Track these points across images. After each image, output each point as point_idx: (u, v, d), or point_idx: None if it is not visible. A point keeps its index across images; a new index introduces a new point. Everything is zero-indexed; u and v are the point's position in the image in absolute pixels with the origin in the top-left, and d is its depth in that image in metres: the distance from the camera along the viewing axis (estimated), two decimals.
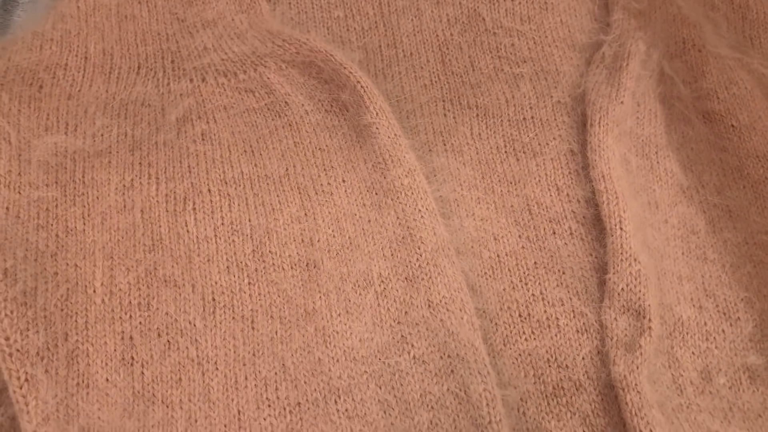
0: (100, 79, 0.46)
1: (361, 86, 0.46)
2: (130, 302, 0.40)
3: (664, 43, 0.51)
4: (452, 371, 0.39)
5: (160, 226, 0.42)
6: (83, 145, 0.44)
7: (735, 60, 0.50)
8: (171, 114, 0.45)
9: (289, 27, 0.50)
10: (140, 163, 0.44)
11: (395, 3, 0.52)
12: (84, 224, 0.42)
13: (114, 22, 0.48)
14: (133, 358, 0.38)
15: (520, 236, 0.44)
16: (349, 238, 0.43)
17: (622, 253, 0.41)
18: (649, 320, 0.39)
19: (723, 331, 0.41)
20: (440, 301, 0.40)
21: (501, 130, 0.48)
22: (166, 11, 0.49)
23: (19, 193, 0.41)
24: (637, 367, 0.38)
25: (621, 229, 0.42)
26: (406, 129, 0.48)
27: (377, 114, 0.45)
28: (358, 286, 0.41)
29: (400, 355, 0.39)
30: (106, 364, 0.38)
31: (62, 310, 0.39)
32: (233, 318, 0.40)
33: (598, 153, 0.45)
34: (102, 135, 0.44)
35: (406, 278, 0.41)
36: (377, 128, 0.45)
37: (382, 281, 0.42)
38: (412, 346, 0.40)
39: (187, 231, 0.42)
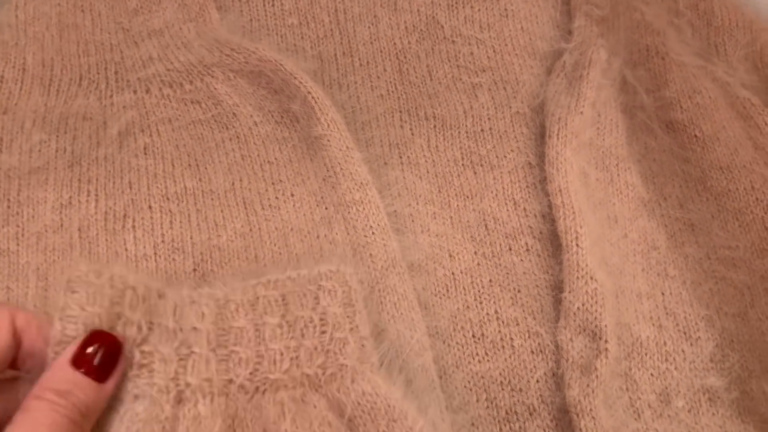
0: (39, 92, 0.44)
1: (312, 97, 0.45)
2: None
3: (627, 50, 0.50)
4: (402, 395, 0.37)
5: (98, 245, 0.40)
6: (18, 162, 0.42)
7: (699, 68, 0.49)
8: (113, 127, 0.44)
9: (239, 35, 0.48)
10: (79, 180, 0.42)
11: (351, 10, 0.51)
12: (17, 245, 0.40)
13: (55, 31, 0.46)
14: None
15: (475, 253, 0.43)
16: (296, 254, 0.41)
17: (578, 271, 0.40)
18: (606, 341, 0.38)
19: (683, 351, 0.40)
20: (389, 321, 0.39)
21: (458, 143, 0.47)
22: (111, 20, 0.47)
23: None
24: (593, 391, 0.37)
25: (577, 245, 0.41)
26: (361, 141, 0.46)
27: (328, 126, 0.44)
28: None
29: None
30: None
31: None
32: None
33: (556, 166, 0.44)
34: (39, 151, 0.43)
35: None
36: (328, 140, 0.44)
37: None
38: None
39: (126, 249, 0.40)
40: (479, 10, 0.51)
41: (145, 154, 0.43)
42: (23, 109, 0.44)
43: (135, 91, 0.45)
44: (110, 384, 0.31)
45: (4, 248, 0.40)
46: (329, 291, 0.35)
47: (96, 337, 0.31)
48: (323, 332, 0.34)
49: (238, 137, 0.45)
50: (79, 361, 0.30)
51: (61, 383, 0.30)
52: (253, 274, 0.36)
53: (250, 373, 0.33)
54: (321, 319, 0.34)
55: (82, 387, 0.30)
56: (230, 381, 0.33)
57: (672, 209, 0.45)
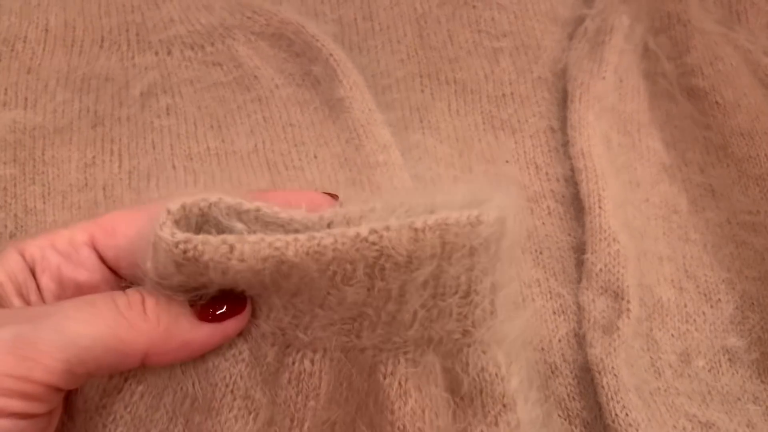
0: (62, 52, 0.44)
1: (334, 59, 0.45)
2: None
3: (648, 17, 0.50)
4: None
5: (122, 204, 0.40)
6: (43, 121, 0.42)
7: (721, 35, 0.49)
8: (135, 88, 0.44)
9: None
10: (102, 139, 0.42)
11: None
12: (44, 203, 0.40)
13: None
14: None
15: None
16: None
17: (600, 233, 0.40)
18: (628, 302, 0.38)
19: (703, 312, 0.40)
20: None
21: (479, 107, 0.47)
22: None
23: None
24: (614, 350, 0.37)
25: (600, 207, 0.41)
26: (381, 104, 0.46)
27: (351, 88, 0.44)
28: None
29: None
30: None
31: None
32: None
33: (578, 130, 0.44)
34: (63, 110, 0.43)
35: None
36: (350, 102, 0.44)
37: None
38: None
39: None
40: None
41: (168, 114, 0.43)
42: (47, 69, 0.44)
43: (156, 53, 0.45)
44: (206, 328, 0.26)
45: (31, 207, 0.40)
46: (486, 245, 0.26)
47: (224, 294, 0.26)
48: (465, 295, 0.27)
49: (259, 99, 0.45)
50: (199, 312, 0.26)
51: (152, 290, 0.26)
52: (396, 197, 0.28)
53: (379, 335, 0.27)
54: (468, 280, 0.27)
55: (172, 300, 0.26)
56: (350, 341, 0.27)
57: (693, 174, 0.45)
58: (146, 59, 0.45)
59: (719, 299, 0.41)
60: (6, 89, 0.42)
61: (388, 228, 0.25)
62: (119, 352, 0.24)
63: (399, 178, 0.42)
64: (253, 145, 0.43)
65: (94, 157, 0.42)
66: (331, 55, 0.44)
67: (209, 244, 0.24)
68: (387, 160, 0.42)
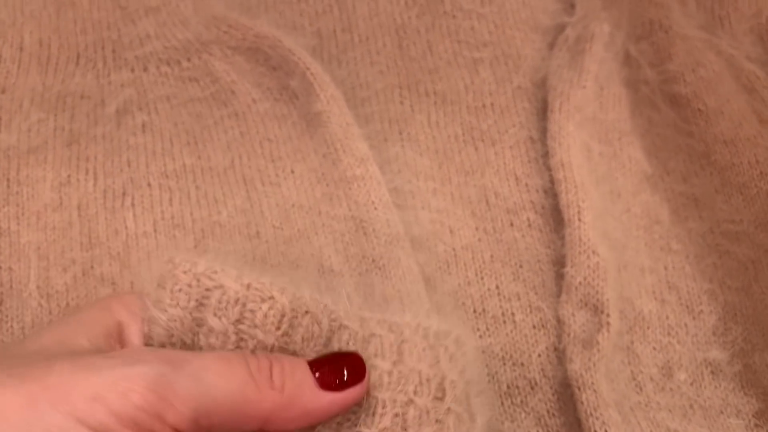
0: (36, 71, 0.44)
1: (311, 73, 0.44)
2: (68, 303, 0.39)
3: (630, 23, 0.49)
4: None
5: (97, 223, 0.40)
6: (17, 141, 0.42)
7: (703, 41, 0.48)
8: (111, 105, 0.43)
9: (237, 12, 0.47)
10: (77, 158, 0.42)
11: None
12: (18, 224, 0.40)
13: (52, 10, 0.46)
14: None
15: (476, 228, 0.42)
16: (298, 230, 0.41)
17: (580, 246, 0.40)
18: (608, 315, 0.38)
19: (685, 324, 0.40)
20: (395, 294, 0.39)
21: (459, 118, 0.46)
22: None
23: None
24: (594, 365, 0.37)
25: (579, 219, 0.40)
26: (360, 117, 0.46)
27: (328, 102, 0.44)
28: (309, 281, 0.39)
29: None
30: None
31: None
32: None
33: (558, 140, 0.43)
34: (38, 129, 0.42)
35: (359, 272, 0.40)
36: (328, 116, 0.43)
37: (335, 276, 0.40)
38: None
39: (126, 227, 0.40)
40: None
41: (143, 131, 0.43)
42: (21, 88, 0.43)
43: (132, 69, 0.45)
44: (329, 396, 0.27)
45: (4, 228, 0.40)
46: (452, 355, 0.29)
47: (343, 357, 0.28)
48: (438, 399, 0.28)
49: (236, 114, 0.44)
50: (315, 366, 0.27)
51: (277, 354, 0.27)
52: (363, 304, 0.31)
53: (338, 424, 0.28)
54: (438, 383, 0.28)
55: (296, 366, 0.27)
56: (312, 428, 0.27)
57: (675, 183, 0.44)
58: (122, 76, 0.45)
59: (701, 310, 0.40)
60: None
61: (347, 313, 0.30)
62: (243, 413, 0.25)
63: (376, 192, 0.41)
64: (230, 161, 0.43)
65: (69, 176, 0.41)
66: (308, 68, 0.44)
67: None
68: (364, 174, 0.42)
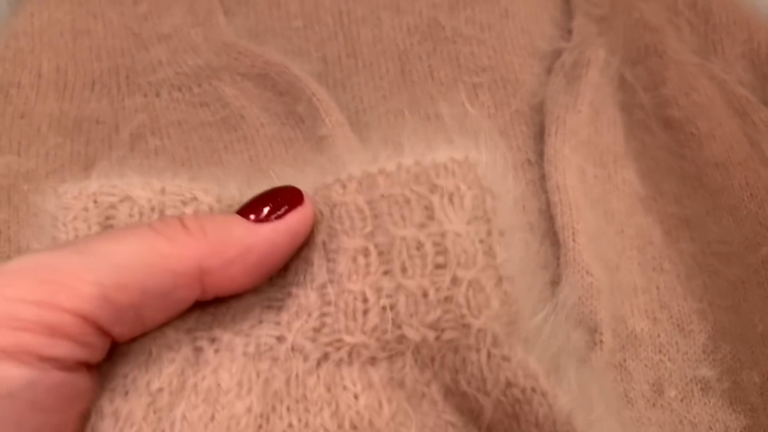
0: (54, 97, 0.46)
1: (317, 98, 0.46)
2: None
3: (625, 49, 0.51)
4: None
5: None
6: (36, 166, 0.44)
7: (696, 66, 0.50)
8: (124, 130, 0.45)
9: (245, 39, 0.49)
10: None
11: (355, 12, 0.52)
12: (38, 245, 0.42)
13: (68, 38, 0.48)
14: None
15: None
16: None
17: (574, 266, 0.41)
18: (600, 334, 0.39)
19: (676, 343, 0.41)
20: None
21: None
22: (121, 26, 0.49)
23: None
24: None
25: (574, 241, 0.42)
26: (364, 140, 0.47)
27: (333, 126, 0.45)
28: None
29: None
30: None
31: None
32: None
33: (554, 164, 0.45)
34: (55, 154, 0.44)
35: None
36: (333, 140, 0.45)
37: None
38: None
39: None
40: (480, 11, 0.52)
41: (156, 155, 0.45)
42: (39, 114, 0.45)
43: (145, 95, 0.47)
44: (267, 227, 0.21)
45: (24, 249, 0.41)
46: (450, 195, 0.20)
47: (270, 192, 0.23)
48: (439, 267, 0.20)
49: (245, 138, 0.46)
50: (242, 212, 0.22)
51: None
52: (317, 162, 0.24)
53: (313, 330, 0.21)
54: (436, 245, 0.20)
55: (214, 214, 0.22)
56: (278, 338, 0.21)
57: (668, 205, 0.46)
58: (135, 101, 0.47)
59: (692, 329, 0.42)
60: (1, 135, 0.44)
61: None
62: (166, 271, 0.20)
63: None
64: None
65: None
66: (314, 94, 0.46)
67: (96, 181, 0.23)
68: None
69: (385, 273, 0.20)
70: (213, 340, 0.21)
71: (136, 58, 0.48)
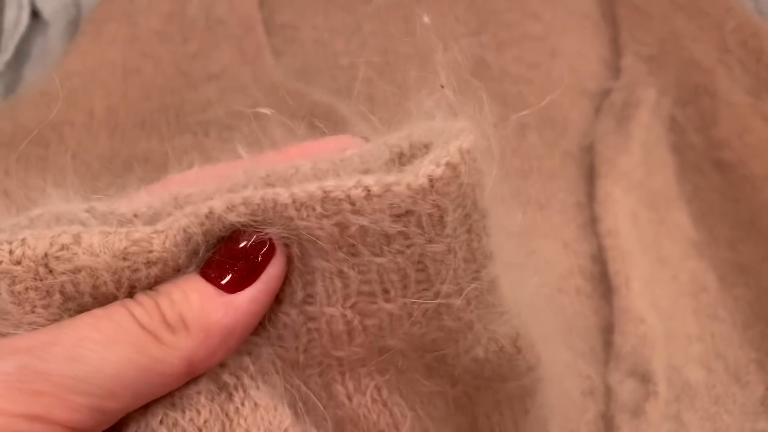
0: (105, 136, 0.47)
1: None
2: None
3: (675, 88, 0.50)
4: None
5: None
6: None
7: (749, 106, 0.49)
8: (174, 169, 0.46)
9: (293, 77, 0.50)
10: None
11: (401, 51, 0.52)
12: None
13: (120, 77, 0.48)
14: None
15: None
16: None
17: (627, 314, 0.40)
18: (655, 384, 0.38)
19: (733, 394, 0.40)
20: None
21: (506, 181, 0.47)
22: (171, 65, 0.49)
23: None
24: None
25: (627, 287, 0.41)
26: None
27: None
28: None
29: None
30: None
31: None
32: None
33: (605, 207, 0.44)
34: (105, 194, 0.45)
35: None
36: None
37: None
38: None
39: None
40: (527, 49, 0.52)
41: None
42: (91, 153, 0.46)
43: (195, 134, 0.47)
44: (243, 296, 0.20)
45: None
46: (430, 219, 0.19)
47: (236, 238, 0.21)
48: (421, 286, 0.20)
49: None
50: (208, 271, 0.20)
51: (160, 286, 0.20)
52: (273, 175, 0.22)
53: (305, 344, 0.21)
54: (418, 267, 0.20)
55: (186, 288, 0.20)
56: (281, 356, 0.21)
57: (722, 250, 0.45)
58: (185, 140, 0.47)
59: (749, 380, 0.41)
60: (54, 175, 0.44)
61: (245, 202, 0.21)
62: (157, 373, 0.19)
63: None
64: None
65: None
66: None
67: (42, 237, 0.19)
68: None
69: (364, 295, 0.20)
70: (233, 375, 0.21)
71: (185, 98, 0.48)
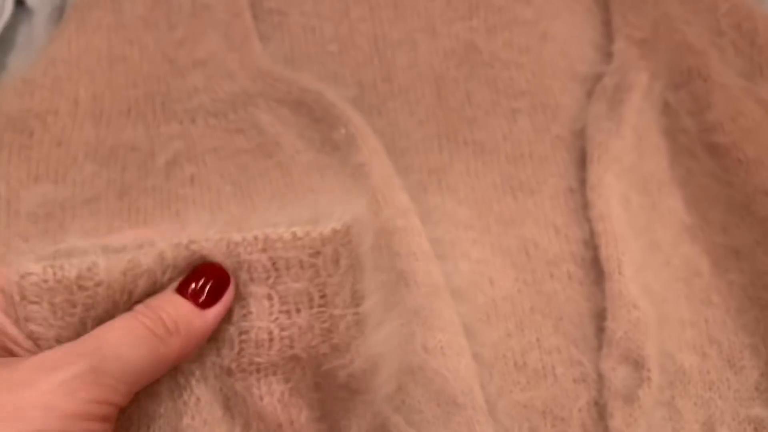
0: (90, 124, 0.46)
1: (353, 125, 0.45)
2: None
3: (668, 72, 0.50)
4: (449, 420, 0.37)
5: None
6: (72, 194, 0.44)
7: (742, 89, 0.48)
8: (160, 157, 0.45)
9: (281, 64, 0.49)
10: (128, 209, 0.43)
11: (390, 36, 0.51)
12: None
13: (105, 64, 0.48)
14: None
15: (516, 279, 0.43)
16: None
17: (620, 299, 0.40)
18: (649, 370, 0.38)
19: (727, 379, 0.40)
20: (436, 345, 0.39)
21: (498, 167, 0.47)
22: (157, 52, 0.49)
23: (8, 246, 0.41)
24: (635, 420, 0.37)
25: (619, 273, 0.41)
26: (400, 168, 0.47)
27: (369, 154, 0.45)
28: None
29: (394, 405, 0.38)
30: None
31: None
32: None
33: (597, 192, 0.44)
34: (91, 182, 0.44)
35: (400, 324, 0.40)
36: (369, 168, 0.44)
37: (376, 325, 0.41)
38: (408, 394, 0.38)
39: None
40: (518, 34, 0.51)
41: (192, 183, 0.44)
42: (76, 141, 0.45)
43: (181, 122, 0.47)
44: (211, 312, 0.29)
45: None
46: (331, 259, 0.29)
47: (203, 270, 0.29)
48: (321, 307, 0.29)
49: (281, 165, 0.45)
50: (184, 290, 0.29)
51: (153, 300, 0.29)
52: (231, 223, 0.30)
53: (237, 353, 0.29)
54: (320, 293, 0.29)
55: (175, 304, 0.29)
56: (218, 364, 0.30)
57: (715, 235, 0.44)
58: (171, 128, 0.46)
59: (743, 366, 0.40)
60: (38, 163, 0.44)
61: (207, 239, 0.29)
62: (161, 365, 0.28)
63: (417, 243, 0.42)
64: None
65: (120, 227, 0.43)
66: (350, 121, 0.45)
67: (74, 265, 0.27)
68: (406, 226, 0.42)
69: (283, 312, 0.29)
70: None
71: (171, 85, 0.48)
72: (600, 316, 0.41)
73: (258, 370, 0.29)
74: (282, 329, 0.29)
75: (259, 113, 0.47)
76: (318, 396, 0.31)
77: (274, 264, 0.29)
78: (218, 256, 0.29)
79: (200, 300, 0.29)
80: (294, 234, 0.29)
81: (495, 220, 0.45)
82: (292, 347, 0.29)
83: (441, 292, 0.41)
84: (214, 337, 0.29)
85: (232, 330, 0.29)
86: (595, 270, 0.42)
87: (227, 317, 0.29)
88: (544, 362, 0.40)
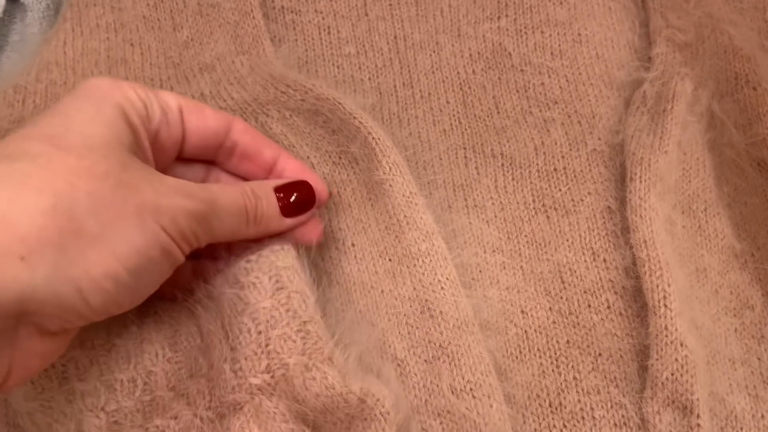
0: None
1: (373, 138, 0.42)
2: None
3: (713, 79, 0.46)
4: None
5: None
6: None
7: None
8: None
9: (294, 68, 0.45)
10: None
11: (412, 37, 0.48)
12: None
13: (103, 68, 0.44)
14: None
15: (550, 309, 0.40)
16: (359, 311, 0.39)
17: (666, 336, 0.36)
18: (698, 416, 0.35)
19: None
20: (465, 386, 0.36)
21: (529, 183, 0.43)
22: (161, 55, 0.45)
23: None
24: None
25: (665, 306, 0.37)
26: (423, 184, 0.43)
27: (390, 169, 0.41)
28: (371, 369, 0.37)
29: None
30: None
31: None
32: None
33: (639, 213, 0.40)
34: None
35: (425, 360, 0.37)
36: (390, 185, 0.41)
37: (399, 363, 0.37)
38: None
39: None
40: (550, 36, 0.47)
41: None
42: None
43: None
44: (288, 222, 0.36)
45: None
46: (254, 286, 0.33)
47: (300, 185, 0.36)
48: (259, 333, 0.32)
49: None
50: (278, 191, 0.36)
51: (259, 189, 0.35)
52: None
53: (209, 401, 0.32)
54: (254, 320, 0.32)
55: (270, 201, 0.35)
56: (194, 414, 0.32)
57: (766, 262, 0.41)
58: None
59: None
60: None
61: None
62: (234, 236, 0.34)
63: (442, 270, 0.39)
64: None
65: None
66: (369, 133, 0.41)
67: None
68: (430, 250, 0.39)
69: (232, 349, 0.32)
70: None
71: (176, 91, 0.44)
72: (643, 353, 0.37)
73: (228, 405, 0.32)
74: (233, 363, 0.32)
75: (270, 123, 0.43)
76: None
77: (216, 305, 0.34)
78: None
79: (286, 205, 0.35)
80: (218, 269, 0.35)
81: (526, 242, 0.42)
82: (245, 378, 0.32)
83: (469, 325, 0.37)
84: (204, 372, 0.33)
85: (201, 382, 0.33)
86: (638, 301, 0.39)
87: (216, 358, 0.33)
88: (582, 404, 0.37)
